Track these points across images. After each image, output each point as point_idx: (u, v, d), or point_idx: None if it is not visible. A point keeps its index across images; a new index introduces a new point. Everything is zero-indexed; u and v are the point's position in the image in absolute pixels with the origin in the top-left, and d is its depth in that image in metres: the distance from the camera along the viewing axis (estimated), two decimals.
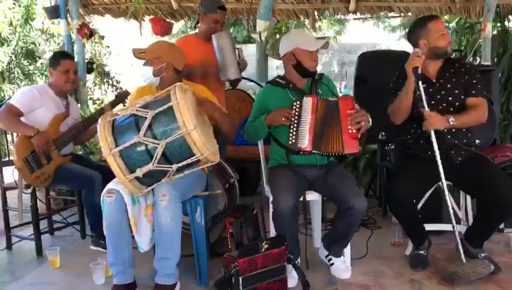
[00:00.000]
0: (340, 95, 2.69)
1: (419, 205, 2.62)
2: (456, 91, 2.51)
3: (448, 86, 2.52)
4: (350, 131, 2.38)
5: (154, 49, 2.53)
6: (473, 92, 2.49)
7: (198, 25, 3.30)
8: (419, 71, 2.40)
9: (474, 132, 2.57)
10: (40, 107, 2.93)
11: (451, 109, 2.50)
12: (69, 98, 3.19)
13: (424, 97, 2.39)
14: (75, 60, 4.73)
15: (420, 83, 2.40)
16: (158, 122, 2.08)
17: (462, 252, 2.35)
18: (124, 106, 3.19)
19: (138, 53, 2.49)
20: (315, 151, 2.41)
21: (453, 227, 2.38)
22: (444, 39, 2.49)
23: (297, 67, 2.54)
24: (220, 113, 2.44)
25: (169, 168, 2.12)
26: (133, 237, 2.27)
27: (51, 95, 3.04)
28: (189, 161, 2.12)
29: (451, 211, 2.40)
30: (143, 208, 2.27)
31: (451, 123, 2.40)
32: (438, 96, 2.51)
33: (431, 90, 2.50)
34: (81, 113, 3.48)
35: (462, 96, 2.51)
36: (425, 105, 2.39)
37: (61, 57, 3.12)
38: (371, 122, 2.41)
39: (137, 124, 2.09)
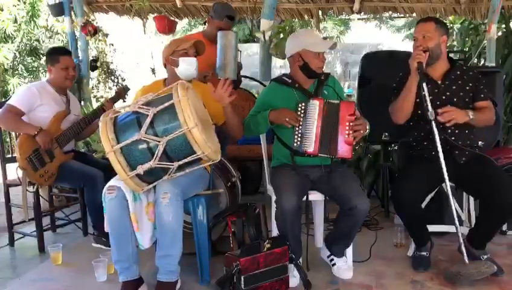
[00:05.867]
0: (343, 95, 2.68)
1: (422, 206, 2.61)
2: (461, 94, 2.52)
3: (454, 87, 2.53)
4: (346, 136, 2.38)
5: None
6: (482, 96, 2.54)
7: (206, 25, 3.33)
8: (424, 68, 2.40)
9: (477, 134, 2.56)
10: (40, 105, 2.92)
11: None
12: (68, 94, 3.16)
13: (428, 97, 2.37)
14: (79, 57, 4.76)
15: (424, 84, 2.38)
16: (159, 119, 2.08)
17: (465, 253, 2.34)
18: (124, 101, 3.21)
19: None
20: (321, 155, 2.41)
21: (456, 228, 2.37)
22: (426, 42, 2.46)
23: (303, 69, 2.51)
24: (238, 124, 2.48)
25: (170, 166, 2.11)
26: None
27: (51, 92, 3.02)
28: (190, 158, 2.11)
29: (455, 212, 2.39)
30: (144, 205, 2.26)
31: (470, 117, 2.41)
32: (443, 97, 2.51)
33: (436, 91, 2.50)
34: (82, 109, 3.47)
35: (467, 100, 2.52)
36: (429, 105, 2.37)
37: (60, 53, 3.07)
38: (368, 131, 2.41)
39: (139, 122, 2.09)
